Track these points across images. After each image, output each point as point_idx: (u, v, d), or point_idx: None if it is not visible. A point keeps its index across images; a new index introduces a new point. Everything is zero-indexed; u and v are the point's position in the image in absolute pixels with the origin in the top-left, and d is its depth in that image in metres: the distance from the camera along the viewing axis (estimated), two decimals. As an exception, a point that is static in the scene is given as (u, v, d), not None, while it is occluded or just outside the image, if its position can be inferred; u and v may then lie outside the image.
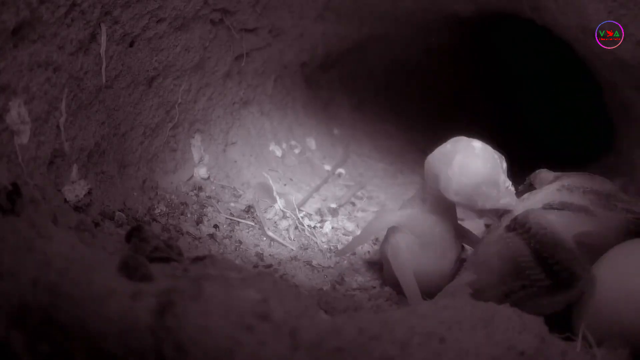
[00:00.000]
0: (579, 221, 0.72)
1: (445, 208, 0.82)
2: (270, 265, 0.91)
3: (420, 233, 0.82)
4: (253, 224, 1.00)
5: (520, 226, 0.72)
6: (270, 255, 0.95)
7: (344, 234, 1.06)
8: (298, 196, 1.13)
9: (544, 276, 0.69)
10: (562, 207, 0.73)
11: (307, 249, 0.99)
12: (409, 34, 1.49)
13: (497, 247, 0.74)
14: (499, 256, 0.74)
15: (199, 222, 0.96)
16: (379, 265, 0.96)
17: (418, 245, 0.82)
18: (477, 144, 0.77)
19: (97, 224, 0.78)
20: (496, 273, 0.73)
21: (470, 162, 0.75)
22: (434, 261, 0.82)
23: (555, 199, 0.75)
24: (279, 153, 1.24)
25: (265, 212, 1.05)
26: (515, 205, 0.77)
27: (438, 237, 0.82)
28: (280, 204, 1.07)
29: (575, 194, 0.75)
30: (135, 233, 0.69)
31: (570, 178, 0.78)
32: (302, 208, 1.10)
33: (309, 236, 1.02)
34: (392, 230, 0.84)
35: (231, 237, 0.96)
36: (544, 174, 0.81)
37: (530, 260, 0.70)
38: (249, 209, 1.03)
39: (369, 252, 1.01)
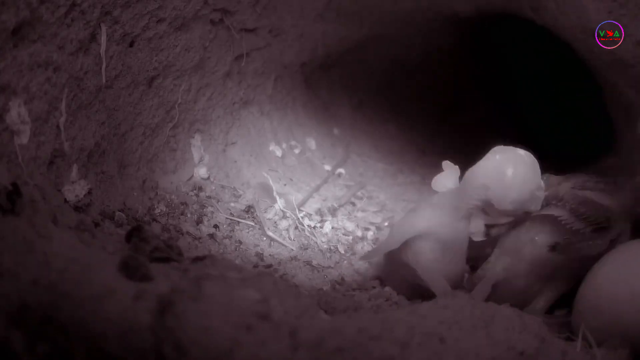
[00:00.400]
0: (598, 197, 0.82)
1: (469, 216, 0.84)
2: (270, 265, 0.91)
3: (445, 239, 0.83)
4: (253, 224, 1.00)
5: (553, 198, 0.81)
6: (270, 255, 0.95)
7: (344, 234, 1.06)
8: (298, 196, 1.13)
9: (584, 225, 0.78)
10: (582, 188, 0.83)
11: (307, 249, 0.99)
12: (409, 34, 1.49)
13: (530, 234, 0.81)
14: (532, 243, 0.81)
15: (199, 222, 0.96)
16: (378, 267, 0.96)
17: (440, 250, 0.83)
18: (522, 152, 0.81)
19: (97, 224, 0.78)
20: (526, 260, 0.81)
21: (525, 171, 0.80)
22: (453, 266, 0.84)
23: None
24: (279, 153, 1.24)
25: (265, 212, 1.05)
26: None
27: (459, 244, 0.84)
28: (280, 204, 1.07)
29: (589, 184, 0.85)
30: (135, 233, 0.69)
31: (576, 178, 0.86)
32: (302, 208, 1.10)
33: (308, 236, 1.02)
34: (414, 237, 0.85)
35: (231, 237, 0.96)
36: (552, 178, 0.86)
37: (569, 217, 0.79)
38: (249, 209, 1.03)
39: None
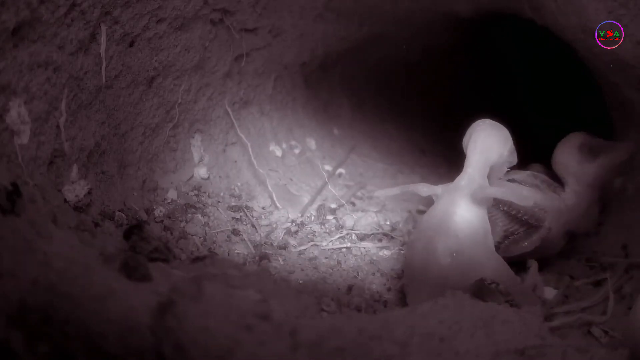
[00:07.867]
0: (530, 193, 0.90)
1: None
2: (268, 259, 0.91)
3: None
4: (252, 224, 1.00)
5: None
6: (270, 254, 0.95)
7: (344, 234, 1.06)
8: (298, 196, 1.13)
9: (518, 227, 0.89)
10: (520, 182, 0.93)
11: (306, 249, 0.99)
12: (409, 34, 1.49)
13: None
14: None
15: (198, 222, 0.96)
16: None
17: None
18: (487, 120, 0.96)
19: (97, 224, 0.78)
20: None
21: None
22: None
23: (518, 177, 0.94)
24: (279, 153, 1.24)
25: (264, 212, 1.05)
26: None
27: None
28: (279, 204, 1.07)
29: (536, 178, 0.96)
30: (136, 231, 0.69)
31: (538, 166, 1.02)
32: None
33: (308, 236, 1.02)
34: None
35: (231, 237, 0.96)
36: (537, 167, 1.01)
37: (504, 218, 0.89)
38: (248, 209, 1.03)
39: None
